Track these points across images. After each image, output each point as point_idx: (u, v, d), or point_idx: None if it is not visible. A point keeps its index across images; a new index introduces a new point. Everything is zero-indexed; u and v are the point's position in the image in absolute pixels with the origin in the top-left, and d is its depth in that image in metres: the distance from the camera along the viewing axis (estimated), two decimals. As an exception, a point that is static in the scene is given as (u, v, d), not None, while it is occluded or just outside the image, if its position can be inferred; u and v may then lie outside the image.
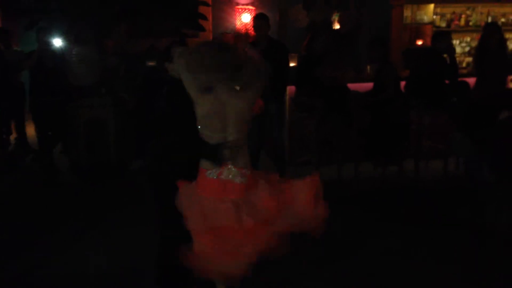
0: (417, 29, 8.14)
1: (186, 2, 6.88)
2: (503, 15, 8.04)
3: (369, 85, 5.74)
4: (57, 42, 6.06)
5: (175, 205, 2.73)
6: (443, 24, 7.98)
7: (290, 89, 5.81)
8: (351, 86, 5.90)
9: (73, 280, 3.52)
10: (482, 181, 4.11)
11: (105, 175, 5.71)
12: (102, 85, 5.88)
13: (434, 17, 7.97)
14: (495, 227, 4.07)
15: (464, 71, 6.90)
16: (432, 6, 7.96)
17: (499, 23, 7.78)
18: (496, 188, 4.06)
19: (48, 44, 5.83)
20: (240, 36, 2.53)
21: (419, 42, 7.94)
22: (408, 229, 4.28)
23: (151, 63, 6.11)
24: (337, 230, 4.23)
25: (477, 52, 5.79)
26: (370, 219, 4.50)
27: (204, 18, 7.04)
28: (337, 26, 7.84)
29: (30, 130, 6.68)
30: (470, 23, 8.01)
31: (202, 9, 7.22)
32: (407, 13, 7.98)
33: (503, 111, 4.20)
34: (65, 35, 5.92)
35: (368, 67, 6.98)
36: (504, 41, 5.75)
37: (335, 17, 7.87)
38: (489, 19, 7.75)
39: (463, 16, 8.06)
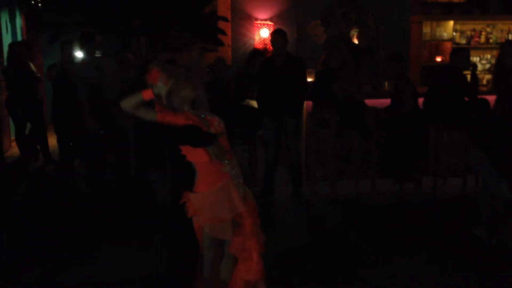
0: (437, 45, 8.12)
1: (206, 17, 7.01)
2: (524, 32, 7.98)
3: (387, 101, 5.72)
4: (80, 54, 6.19)
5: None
6: (463, 41, 7.95)
7: (308, 104, 5.83)
8: (369, 102, 5.89)
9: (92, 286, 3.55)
10: (501, 199, 4.05)
11: (125, 185, 5.76)
12: (123, 98, 5.95)
13: (454, 34, 7.94)
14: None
15: (484, 89, 6.84)
16: (451, 22, 7.94)
17: (520, 40, 7.74)
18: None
19: (71, 57, 5.96)
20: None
21: (438, 59, 7.91)
22: (424, 246, 4.22)
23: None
24: (353, 246, 4.23)
25: (496, 70, 5.74)
26: (386, 235, 4.46)
27: (223, 33, 7.14)
28: (355, 41, 7.86)
29: (52, 141, 6.82)
30: (491, 40, 7.97)
31: (221, 24, 7.32)
32: (426, 29, 7.97)
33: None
34: (86, 48, 6.04)
35: (386, 83, 6.97)
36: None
37: (354, 33, 7.90)
38: (510, 37, 7.69)
39: (483, 33, 8.02)
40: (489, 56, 7.98)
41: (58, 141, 6.26)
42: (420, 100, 5.66)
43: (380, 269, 3.83)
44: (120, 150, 5.77)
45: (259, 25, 8.02)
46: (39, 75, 6.68)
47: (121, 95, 5.86)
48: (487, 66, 7.96)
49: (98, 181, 5.67)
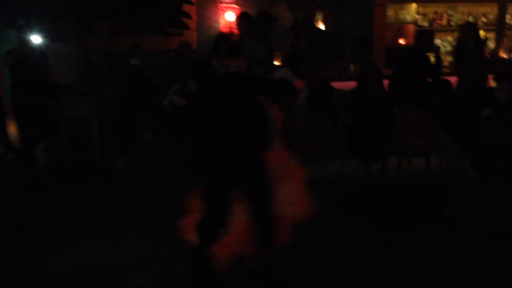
0: (400, 28, 8.21)
1: (170, 0, 6.85)
2: (484, 14, 8.15)
3: (353, 84, 5.77)
4: (38, 40, 5.98)
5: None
6: (426, 24, 8.07)
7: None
8: (336, 84, 5.93)
9: (52, 280, 3.48)
10: (464, 178, 4.16)
11: (88, 173, 5.66)
12: (85, 84, 5.82)
13: (417, 16, 8.05)
14: (477, 223, 4.13)
15: (447, 70, 6.98)
16: (414, 5, 8.04)
17: (480, 22, 7.91)
18: (477, 185, 4.11)
19: (29, 42, 5.75)
20: None
21: (402, 41, 8.01)
22: (391, 226, 4.31)
23: (134, 61, 6.10)
24: (321, 228, 4.27)
25: (456, 51, 5.86)
26: (354, 217, 4.53)
27: (188, 16, 7.00)
28: (321, 25, 7.87)
29: (11, 129, 6.59)
30: (452, 23, 8.11)
31: (186, 7, 7.18)
32: (390, 12, 8.04)
33: (483, 109, 4.25)
34: (46, 33, 5.84)
35: (352, 65, 7.02)
36: (480, 39, 5.84)
37: (319, 16, 7.90)
38: (470, 19, 7.85)
39: (444, 15, 8.16)
40: (450, 38, 8.13)
41: (18, 129, 6.06)
42: (385, 82, 5.74)
43: (348, 251, 3.89)
44: (82, 137, 5.65)
45: (224, 8, 7.92)
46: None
47: (83, 80, 5.78)
48: (449, 48, 8.11)
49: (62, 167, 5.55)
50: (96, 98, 5.76)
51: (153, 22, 6.33)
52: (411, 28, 7.98)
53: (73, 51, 5.38)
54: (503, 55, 7.75)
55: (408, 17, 8.08)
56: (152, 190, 5.22)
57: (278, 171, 3.15)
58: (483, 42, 6.08)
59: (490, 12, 8.10)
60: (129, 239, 4.08)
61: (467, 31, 5.64)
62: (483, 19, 8.08)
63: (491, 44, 7.89)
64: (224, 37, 6.69)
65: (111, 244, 3.98)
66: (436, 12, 8.15)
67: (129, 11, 6.25)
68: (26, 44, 5.69)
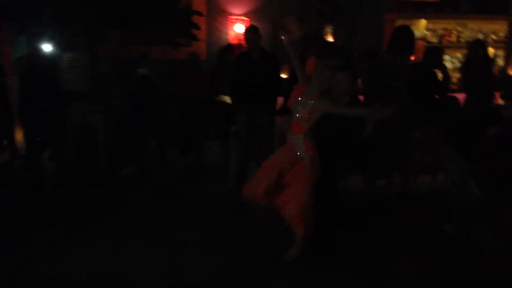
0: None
1: (180, 11, 6.92)
2: (494, 32, 8.13)
3: (360, 98, 5.74)
4: (48, 47, 6.04)
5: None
6: (435, 40, 8.05)
7: (282, 100, 5.81)
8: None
9: (54, 284, 3.49)
10: (469, 196, 4.12)
11: (94, 181, 5.67)
12: (94, 92, 5.86)
13: (426, 32, 8.04)
14: (481, 243, 4.08)
15: (454, 87, 6.95)
16: (424, 21, 8.04)
17: (490, 40, 7.88)
18: (483, 204, 4.07)
19: (39, 50, 5.81)
20: None
21: (411, 57, 8.00)
22: (395, 242, 4.27)
23: (142, 71, 6.15)
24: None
25: (464, 68, 5.84)
26: (356, 233, 4.48)
27: (197, 27, 7.07)
28: (330, 39, 7.88)
29: (18, 136, 6.64)
30: (461, 39, 8.09)
31: (196, 19, 7.25)
32: (400, 28, 8.04)
33: (491, 127, 4.22)
34: (56, 41, 5.90)
35: (360, 80, 7.01)
36: (488, 57, 5.81)
37: (329, 30, 7.91)
38: (480, 36, 7.83)
39: (454, 32, 8.14)
40: (459, 55, 8.11)
41: (25, 136, 6.10)
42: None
43: (348, 263, 3.85)
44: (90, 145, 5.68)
45: (234, 20, 7.97)
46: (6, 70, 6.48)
47: (92, 88, 5.82)
48: (458, 64, 8.09)
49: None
50: (104, 106, 5.79)
51: (163, 32, 6.39)
52: (420, 44, 7.96)
53: (83, 59, 5.43)
54: (512, 73, 7.71)
55: (418, 33, 8.07)
56: (157, 198, 5.23)
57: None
58: (492, 59, 6.05)
59: (500, 29, 8.08)
60: (132, 246, 4.08)
61: (476, 48, 5.64)
62: (493, 37, 8.06)
63: (500, 62, 7.85)
64: (228, 49, 6.75)
65: (113, 250, 3.98)
66: (445, 29, 8.14)
67: (140, 21, 6.32)
68: (37, 51, 5.75)
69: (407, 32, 5.11)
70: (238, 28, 7.89)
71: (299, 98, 3.81)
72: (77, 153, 5.76)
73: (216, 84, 6.34)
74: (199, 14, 7.16)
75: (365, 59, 5.58)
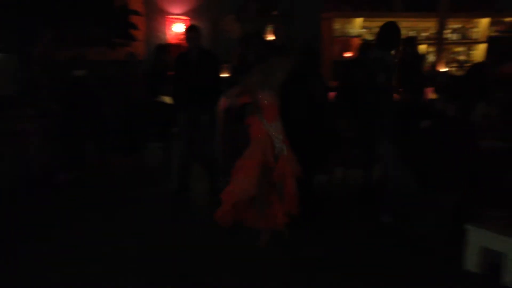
0: (347, 41, 8.42)
1: (117, 11, 6.76)
2: (426, 29, 8.49)
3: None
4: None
5: None
6: (371, 37, 8.30)
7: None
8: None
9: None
10: (405, 188, 4.28)
11: (29, 188, 5.44)
12: (26, 96, 5.61)
13: (362, 30, 8.29)
14: (416, 232, 4.24)
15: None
16: (360, 20, 8.28)
17: (421, 37, 8.22)
18: (418, 195, 4.24)
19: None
20: None
21: (348, 54, 8.22)
22: (333, 234, 4.37)
23: (78, 72, 5.96)
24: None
25: (398, 64, 6.03)
26: (299, 226, 4.55)
27: (135, 27, 6.94)
28: (270, 37, 7.96)
29: None
30: (395, 37, 8.37)
31: (134, 18, 7.11)
32: (337, 26, 8.25)
33: (424, 120, 4.41)
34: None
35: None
36: (418, 53, 6.06)
37: (269, 28, 7.99)
38: (412, 33, 8.14)
39: (388, 30, 8.43)
40: (393, 52, 8.39)
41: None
42: (332, 94, 5.84)
43: (290, 257, 3.92)
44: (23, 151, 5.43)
45: (173, 20, 7.89)
46: None
47: (23, 92, 5.56)
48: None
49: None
50: (38, 110, 5.56)
51: (99, 32, 6.22)
52: (356, 41, 8.20)
53: (11, 61, 5.17)
54: (442, 68, 8.08)
55: (354, 31, 8.31)
56: (96, 204, 5.09)
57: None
58: (422, 56, 6.31)
59: (430, 27, 8.45)
60: (67, 260, 3.94)
61: (406, 45, 5.86)
62: (424, 34, 8.42)
63: (432, 58, 8.21)
64: (162, 49, 6.67)
65: (45, 266, 3.81)
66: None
67: (73, 21, 6.12)
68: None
69: (395, 28, 5.38)
70: (177, 28, 7.82)
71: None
72: (10, 160, 5.50)
73: (154, 84, 6.25)
74: (137, 13, 7.04)
75: (305, 57, 5.65)
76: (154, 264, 3.80)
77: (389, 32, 5.33)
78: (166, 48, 6.80)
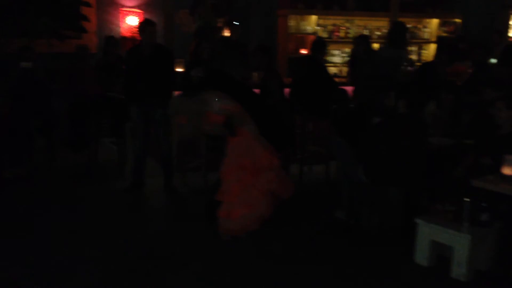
0: (302, 38, 8.51)
1: (66, 2, 6.53)
2: (378, 28, 8.69)
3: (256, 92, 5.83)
4: None
5: None
6: (325, 35, 8.43)
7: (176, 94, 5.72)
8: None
9: None
10: (358, 183, 4.35)
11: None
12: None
13: (317, 28, 8.39)
14: (368, 227, 4.33)
15: (344, 80, 7.33)
16: (314, 17, 8.38)
17: (374, 36, 8.41)
18: (369, 190, 4.32)
19: None
20: None
21: (303, 51, 8.30)
22: (288, 229, 4.40)
23: (25, 64, 5.72)
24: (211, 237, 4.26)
25: (350, 62, 6.16)
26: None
27: (86, 19, 6.74)
28: (226, 33, 7.91)
29: None
30: (349, 35, 8.55)
31: (85, 10, 6.90)
32: (292, 23, 8.32)
33: (374, 117, 4.49)
34: None
35: (256, 74, 7.12)
36: (371, 51, 6.21)
37: (224, 24, 7.95)
38: (365, 32, 8.32)
39: (342, 28, 8.59)
40: (347, 50, 8.57)
41: None
42: (287, 91, 5.88)
43: (238, 253, 3.92)
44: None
45: (126, 12, 7.72)
46: None
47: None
48: (346, 59, 8.54)
49: None
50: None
51: (46, 23, 6.00)
52: (311, 38, 8.29)
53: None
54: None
55: (309, 28, 8.41)
56: (46, 202, 4.91)
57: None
58: (374, 53, 6.44)
59: (383, 26, 8.66)
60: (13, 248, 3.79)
61: (359, 43, 5.98)
62: (377, 33, 8.62)
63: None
64: (111, 43, 6.52)
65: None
66: (334, 25, 8.56)
67: (20, 11, 5.88)
68: None
69: (403, 28, 5.66)
70: (130, 21, 7.66)
71: None
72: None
73: (105, 78, 6.09)
74: (87, 4, 6.82)
75: (260, 53, 5.65)
76: (107, 261, 3.70)
77: (401, 31, 5.57)
78: (115, 40, 6.64)
